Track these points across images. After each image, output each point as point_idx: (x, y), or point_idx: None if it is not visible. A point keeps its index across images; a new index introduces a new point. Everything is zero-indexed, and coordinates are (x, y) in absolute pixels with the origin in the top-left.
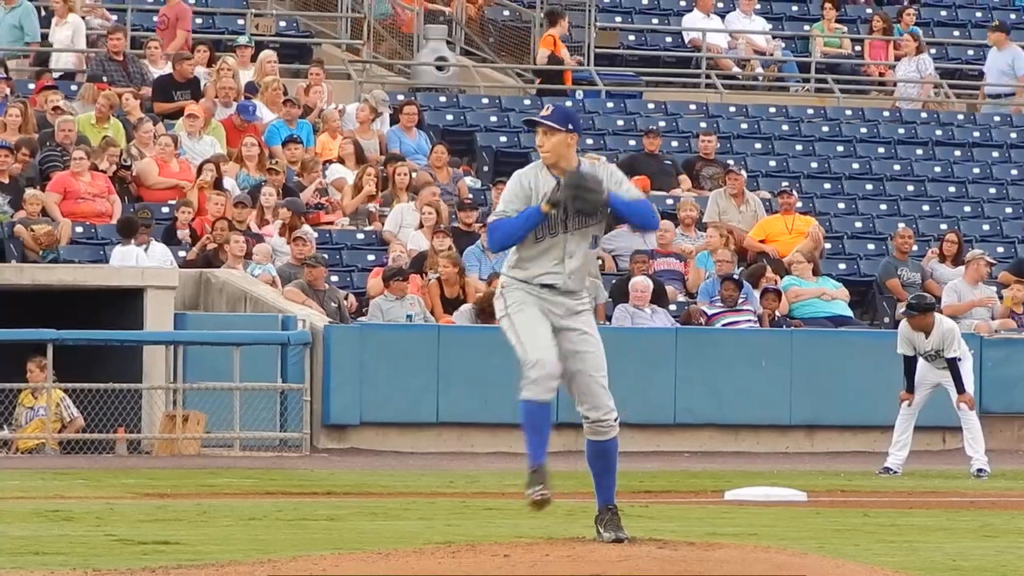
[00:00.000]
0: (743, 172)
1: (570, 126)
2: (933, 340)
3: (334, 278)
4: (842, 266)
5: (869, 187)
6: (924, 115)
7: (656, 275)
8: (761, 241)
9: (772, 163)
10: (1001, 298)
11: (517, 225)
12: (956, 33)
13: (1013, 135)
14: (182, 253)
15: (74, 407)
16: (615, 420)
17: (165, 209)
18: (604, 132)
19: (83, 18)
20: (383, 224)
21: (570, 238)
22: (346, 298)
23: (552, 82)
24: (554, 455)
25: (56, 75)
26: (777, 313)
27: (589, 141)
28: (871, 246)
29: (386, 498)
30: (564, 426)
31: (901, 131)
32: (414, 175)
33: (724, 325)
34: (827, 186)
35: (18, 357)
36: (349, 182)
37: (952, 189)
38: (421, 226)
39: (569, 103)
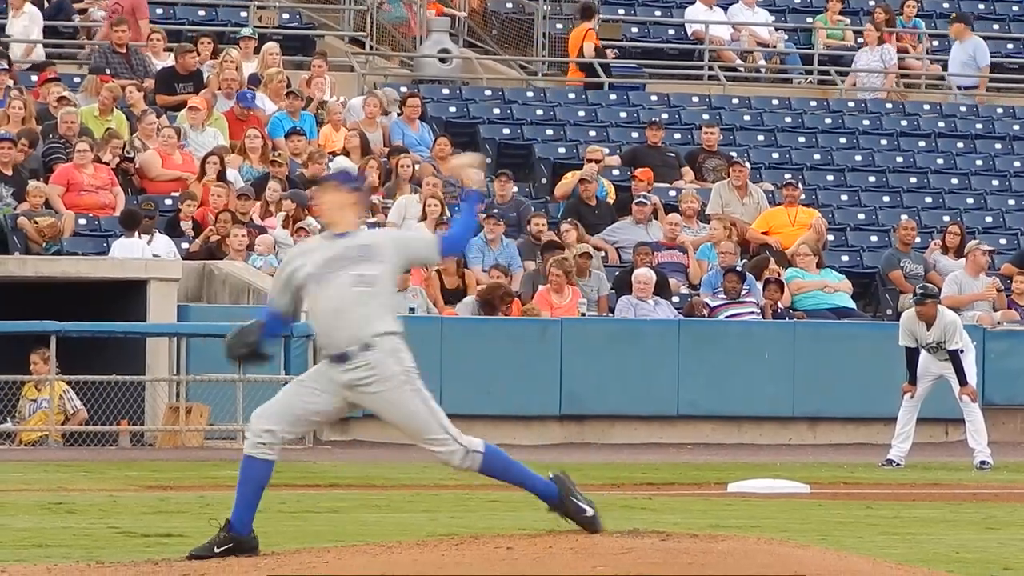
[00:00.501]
0: (747, 164)
1: (355, 185)
2: (935, 332)
3: None
4: (845, 258)
5: (872, 179)
6: (927, 107)
7: (659, 267)
8: (764, 233)
9: (775, 155)
10: (1008, 291)
11: None
12: None
13: (1016, 127)
14: (185, 245)
15: (77, 399)
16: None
17: (168, 201)
18: (607, 124)
19: (87, 10)
20: (386, 216)
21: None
22: None
23: (593, 75)
24: (557, 447)
25: (24, 67)
26: (780, 305)
27: (592, 134)
28: (874, 238)
29: (389, 490)
30: (566, 418)
31: (904, 123)
32: (417, 167)
33: (727, 317)
34: (830, 178)
35: (21, 350)
36: None
37: (955, 181)
38: (424, 217)
39: (613, 96)
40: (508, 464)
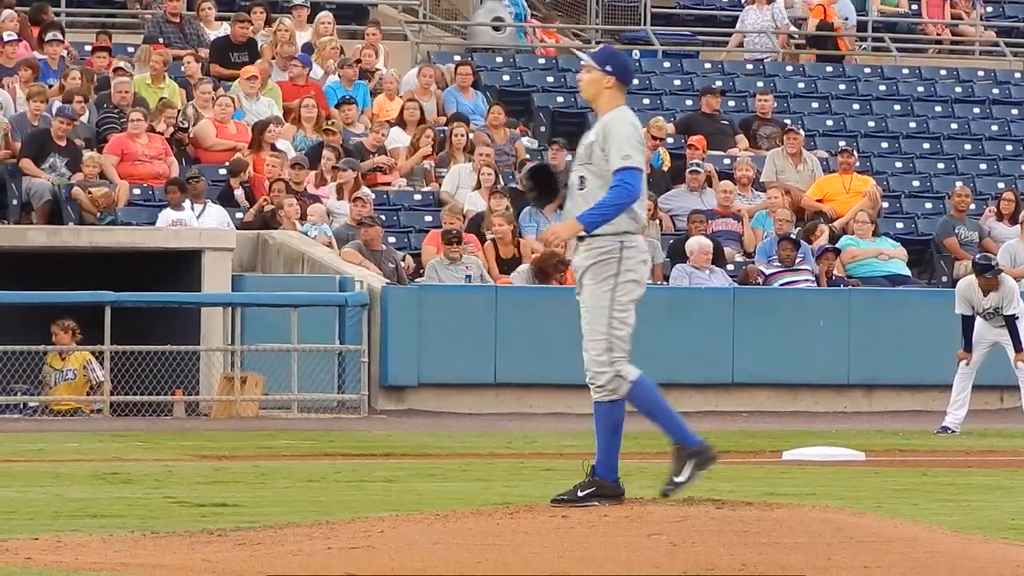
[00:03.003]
0: (800, 132)
1: (608, 68)
2: (993, 298)
3: (391, 239)
4: (900, 225)
5: (926, 146)
6: (981, 73)
7: (713, 235)
8: (819, 201)
9: (829, 122)
10: None
11: None
12: None
13: None
14: (239, 215)
15: (99, 369)
16: (600, 387)
17: (222, 171)
18: (661, 92)
19: None
20: (440, 185)
21: (569, 192)
22: (403, 259)
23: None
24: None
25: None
26: (835, 273)
27: (646, 102)
28: (928, 205)
29: (444, 459)
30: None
31: (958, 90)
32: (471, 136)
33: (781, 285)
34: (884, 145)
35: (73, 319)
36: (405, 145)
37: (1009, 147)
38: (479, 186)
39: (667, 64)
40: (615, 431)
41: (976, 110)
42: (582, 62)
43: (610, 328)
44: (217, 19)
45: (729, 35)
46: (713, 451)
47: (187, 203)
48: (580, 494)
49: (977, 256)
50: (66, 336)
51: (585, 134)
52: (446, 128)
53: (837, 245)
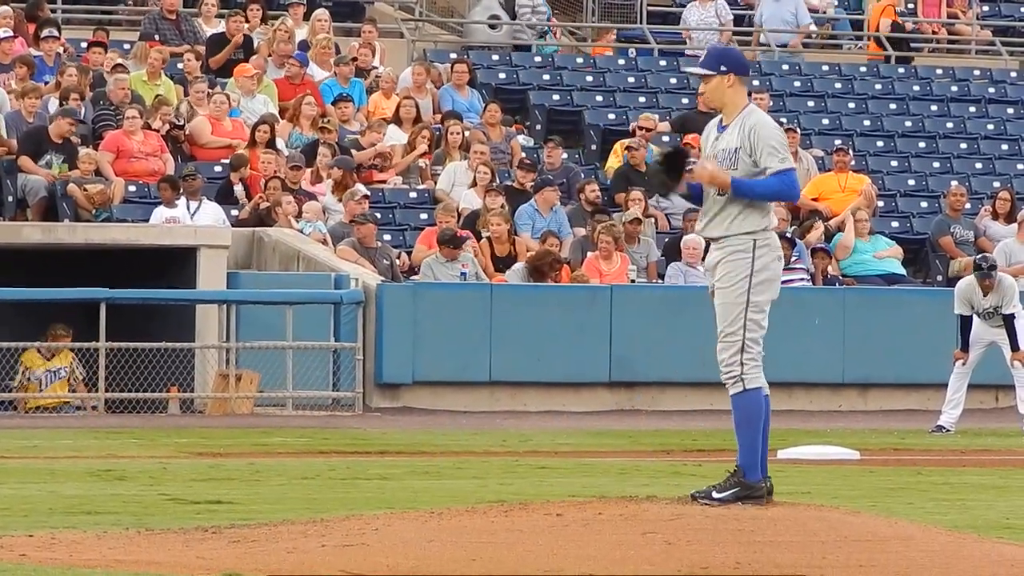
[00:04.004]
0: (796, 130)
1: (722, 67)
2: (992, 298)
3: (386, 237)
4: (895, 224)
5: (922, 145)
6: (977, 72)
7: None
8: (814, 199)
9: (825, 121)
10: None
11: None
12: None
13: None
14: (235, 212)
15: (79, 369)
16: (732, 378)
17: (218, 168)
18: (657, 90)
19: None
20: (435, 183)
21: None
22: (399, 256)
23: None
24: (607, 414)
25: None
26: (830, 271)
27: (641, 100)
28: (924, 204)
29: (439, 457)
30: (616, 385)
31: (954, 88)
32: (467, 134)
33: None
34: (880, 144)
35: (68, 316)
36: (401, 143)
37: (1005, 146)
38: (475, 184)
39: (663, 62)
40: (750, 422)
41: (972, 109)
42: (699, 74)
43: (745, 330)
44: (217, 16)
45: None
46: (765, 493)
47: (182, 200)
48: (717, 496)
49: (977, 257)
50: (62, 341)
51: (712, 135)
52: (441, 126)
53: (830, 244)
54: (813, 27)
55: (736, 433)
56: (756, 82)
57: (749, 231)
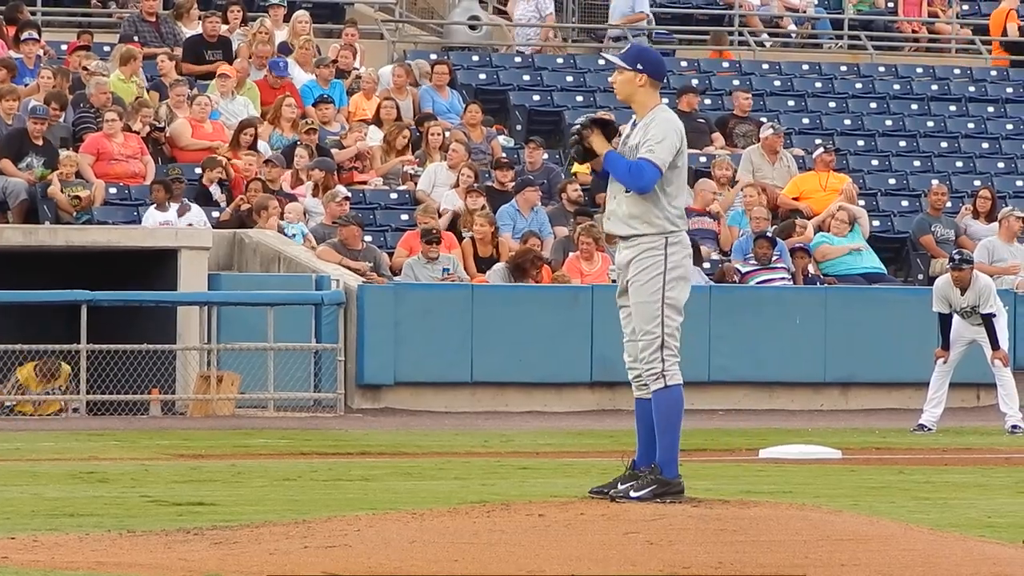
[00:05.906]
0: (777, 128)
1: (639, 66)
2: (969, 296)
3: (367, 237)
4: (876, 223)
5: (902, 144)
6: (957, 71)
7: (690, 233)
8: (795, 199)
9: (805, 120)
10: None
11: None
12: None
13: None
14: (216, 214)
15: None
16: (654, 375)
17: (198, 170)
18: None
19: None
20: (416, 184)
21: (612, 179)
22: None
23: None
24: (589, 414)
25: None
26: (811, 270)
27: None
28: (905, 203)
29: (420, 458)
30: (597, 385)
31: (934, 87)
32: (447, 134)
33: (758, 283)
34: (860, 143)
35: (50, 318)
36: (380, 144)
37: (985, 145)
38: (457, 184)
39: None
40: (671, 419)
41: (952, 108)
42: (613, 63)
43: (663, 327)
44: (199, 18)
45: (707, 34)
46: (682, 490)
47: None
48: (635, 495)
49: (953, 252)
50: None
51: (625, 133)
52: (420, 130)
53: (812, 242)
54: (793, 26)
55: (656, 430)
56: (736, 81)
57: (659, 231)
